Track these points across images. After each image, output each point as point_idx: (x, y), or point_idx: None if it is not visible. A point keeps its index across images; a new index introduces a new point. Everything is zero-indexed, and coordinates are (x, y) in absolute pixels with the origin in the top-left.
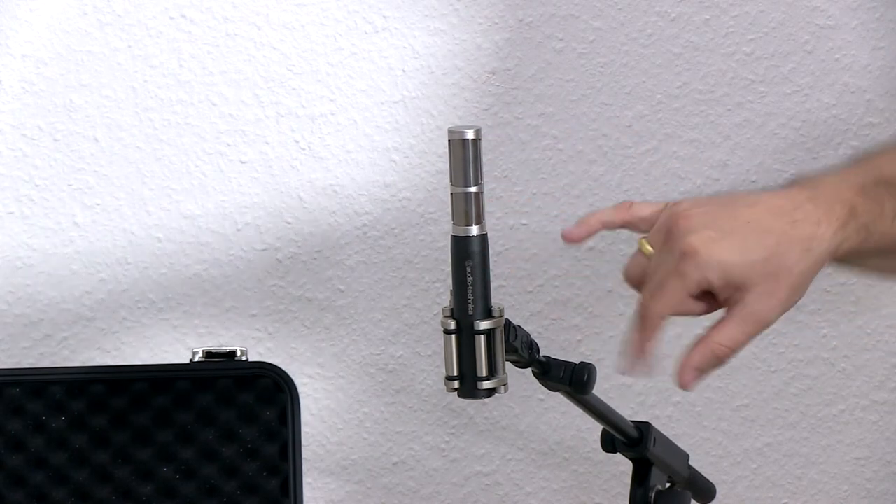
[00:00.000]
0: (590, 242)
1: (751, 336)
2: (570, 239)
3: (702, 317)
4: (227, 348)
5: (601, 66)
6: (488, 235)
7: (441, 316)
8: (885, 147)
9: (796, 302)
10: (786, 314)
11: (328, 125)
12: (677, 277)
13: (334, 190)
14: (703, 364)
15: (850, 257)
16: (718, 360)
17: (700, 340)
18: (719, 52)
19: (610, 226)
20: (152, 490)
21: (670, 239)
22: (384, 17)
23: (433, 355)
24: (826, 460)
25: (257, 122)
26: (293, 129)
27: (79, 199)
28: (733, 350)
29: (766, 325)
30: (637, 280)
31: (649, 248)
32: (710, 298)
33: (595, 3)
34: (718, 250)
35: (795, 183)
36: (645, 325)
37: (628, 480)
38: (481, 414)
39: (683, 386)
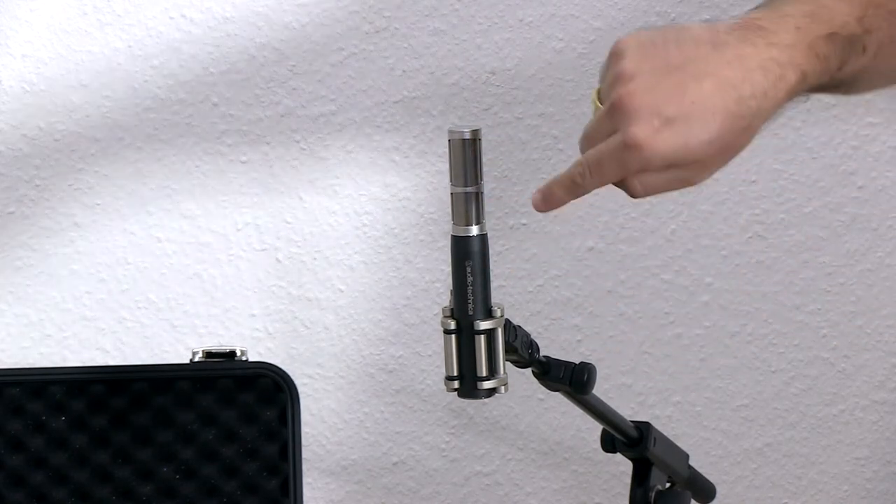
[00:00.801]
0: (589, 242)
1: (669, 191)
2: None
3: (701, 318)
4: (227, 348)
5: (601, 66)
6: (488, 235)
7: (441, 316)
8: None
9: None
10: (785, 314)
11: (328, 125)
12: (618, 164)
13: (334, 190)
14: (603, 181)
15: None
16: (626, 192)
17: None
18: None
19: (571, 201)
20: (152, 490)
21: (614, 114)
22: (384, 17)
23: (433, 355)
24: (826, 460)
25: (257, 122)
26: (293, 129)
27: (79, 199)
28: (646, 195)
29: (690, 185)
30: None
31: (600, 104)
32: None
33: (595, 3)
34: (661, 142)
35: (753, 28)
36: (574, 191)
37: (628, 480)
38: (481, 414)
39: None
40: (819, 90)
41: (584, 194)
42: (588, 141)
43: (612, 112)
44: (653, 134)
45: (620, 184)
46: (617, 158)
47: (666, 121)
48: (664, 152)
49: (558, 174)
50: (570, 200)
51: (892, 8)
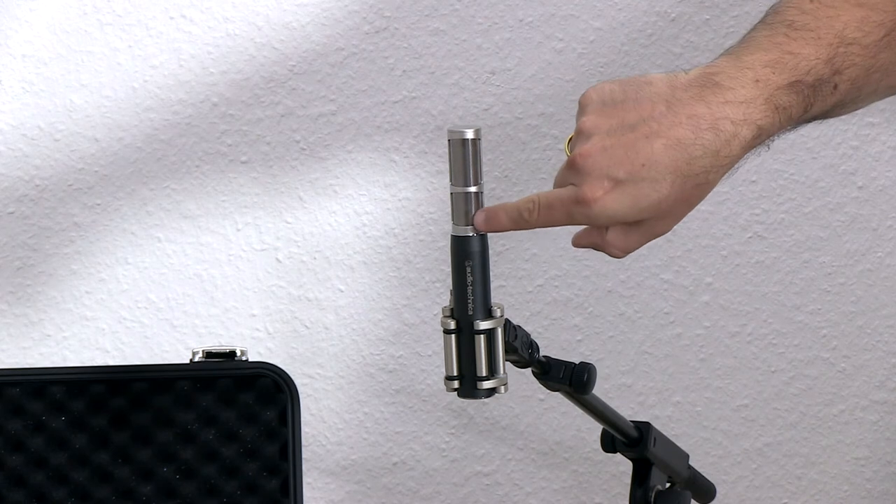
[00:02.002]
0: None
1: (643, 244)
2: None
3: (701, 318)
4: (227, 348)
5: (601, 66)
6: (488, 235)
7: (441, 316)
8: (807, 20)
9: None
10: (785, 314)
11: (328, 125)
12: (566, 214)
13: (334, 190)
14: (590, 247)
15: None
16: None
17: (595, 233)
18: (719, 53)
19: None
20: (152, 490)
21: (570, 170)
22: (384, 17)
23: (433, 355)
24: (826, 460)
25: (257, 122)
26: (293, 129)
27: (79, 199)
28: (625, 254)
29: (660, 236)
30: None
31: (568, 153)
32: None
33: (595, 3)
34: (610, 202)
35: (710, 85)
36: (518, 224)
37: (628, 480)
38: (481, 414)
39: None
40: (788, 131)
41: (526, 229)
42: (554, 185)
43: (569, 167)
44: (602, 195)
45: (599, 248)
46: (566, 209)
47: (616, 183)
48: (612, 212)
49: (508, 201)
50: (511, 230)
51: (865, 43)
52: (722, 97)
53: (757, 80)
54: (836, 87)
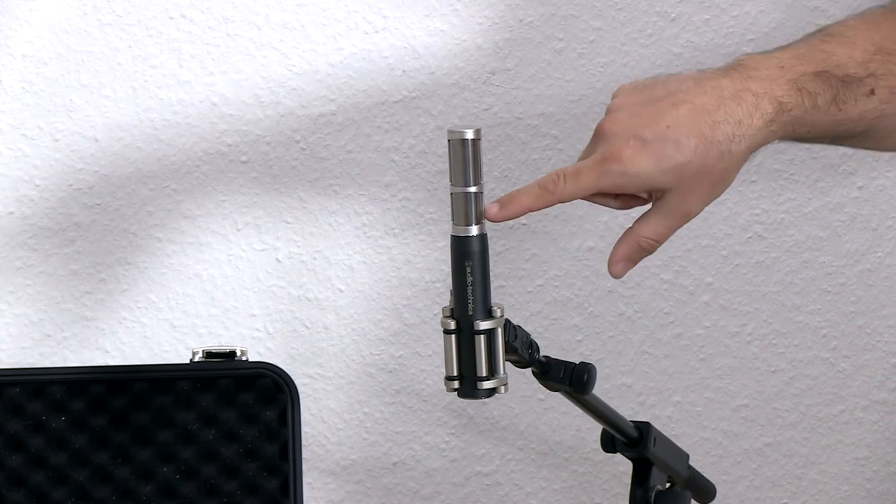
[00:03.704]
0: (589, 242)
1: (674, 229)
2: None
3: (701, 318)
4: (227, 348)
5: (601, 66)
6: (488, 235)
7: (441, 316)
8: (844, 30)
9: (721, 192)
10: (785, 314)
11: (328, 125)
12: (595, 172)
13: (334, 190)
14: (630, 255)
15: (798, 140)
16: (645, 252)
17: (626, 234)
18: (719, 52)
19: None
20: (152, 490)
21: (596, 139)
22: (384, 17)
23: (433, 355)
24: (826, 460)
25: (257, 122)
26: (293, 129)
27: (79, 199)
28: (658, 243)
29: (689, 218)
30: None
31: None
32: (628, 197)
33: (595, 3)
34: (638, 162)
35: (736, 67)
36: (542, 198)
37: (628, 480)
38: (481, 414)
39: (616, 275)
40: (835, 139)
41: (551, 204)
42: (580, 160)
43: (595, 137)
44: (630, 153)
45: (635, 253)
46: (594, 169)
47: (643, 142)
48: (638, 169)
49: (521, 187)
50: (533, 208)
51: None
52: (745, 73)
53: (781, 66)
54: (872, 91)
